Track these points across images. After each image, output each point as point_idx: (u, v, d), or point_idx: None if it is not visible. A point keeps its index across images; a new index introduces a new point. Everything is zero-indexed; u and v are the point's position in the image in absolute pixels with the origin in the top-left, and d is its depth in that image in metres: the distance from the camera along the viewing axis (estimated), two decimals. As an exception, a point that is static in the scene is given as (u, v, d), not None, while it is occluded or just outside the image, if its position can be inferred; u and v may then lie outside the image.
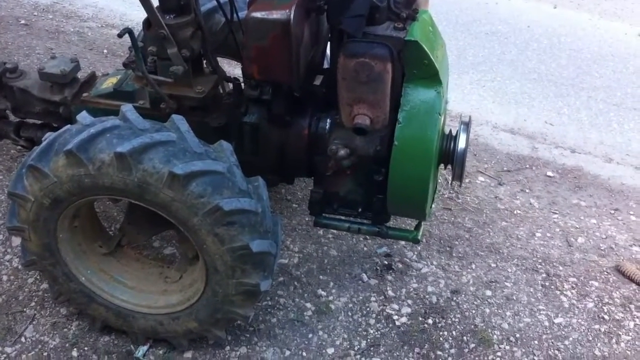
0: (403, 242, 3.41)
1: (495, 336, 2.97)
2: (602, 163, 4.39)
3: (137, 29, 2.76)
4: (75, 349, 2.76)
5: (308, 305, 3.05)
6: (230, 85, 2.84)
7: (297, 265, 3.25)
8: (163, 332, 2.69)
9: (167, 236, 3.24)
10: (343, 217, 2.85)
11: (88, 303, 2.70)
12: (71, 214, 2.49)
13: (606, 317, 3.11)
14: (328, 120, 2.68)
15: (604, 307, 3.17)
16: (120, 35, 2.37)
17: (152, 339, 2.78)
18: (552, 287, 3.26)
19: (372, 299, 3.11)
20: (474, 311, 3.09)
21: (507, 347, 2.93)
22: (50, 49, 5.08)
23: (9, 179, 3.52)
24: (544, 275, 3.33)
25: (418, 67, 2.42)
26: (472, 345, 2.92)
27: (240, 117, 2.74)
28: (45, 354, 2.74)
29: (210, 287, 2.47)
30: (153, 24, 2.50)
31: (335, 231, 3.42)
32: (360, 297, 3.11)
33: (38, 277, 3.04)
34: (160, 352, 2.76)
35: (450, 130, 2.67)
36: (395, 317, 3.02)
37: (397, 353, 2.86)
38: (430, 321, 3.02)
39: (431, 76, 2.43)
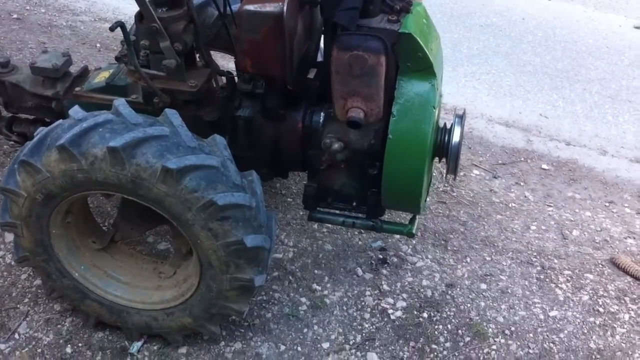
0: (398, 236, 3.40)
1: (490, 329, 2.97)
2: (596, 156, 4.39)
3: (130, 22, 2.74)
4: (69, 345, 2.75)
5: (303, 299, 3.04)
6: (224, 79, 2.83)
7: (292, 260, 3.24)
8: (157, 327, 2.68)
9: (161, 231, 3.22)
10: (337, 211, 2.84)
11: (82, 299, 2.68)
12: (64, 210, 2.47)
13: (601, 309, 3.12)
14: (322, 114, 2.67)
15: (598, 300, 3.17)
16: (112, 29, 2.35)
17: (146, 335, 2.77)
18: (547, 280, 3.26)
19: (367, 293, 3.10)
20: (469, 305, 3.09)
21: (502, 341, 2.93)
22: (42, 43, 5.05)
23: (1, 175, 3.50)
24: (538, 268, 3.33)
25: (412, 60, 2.40)
26: (467, 339, 2.92)
27: (233, 111, 2.73)
28: (39, 350, 2.73)
29: (205, 283, 2.46)
30: (145, 18, 2.48)
31: (329, 225, 3.41)
32: (355, 292, 3.10)
33: (31, 274, 3.02)
34: (155, 347, 2.76)
35: (445, 124, 2.66)
36: (390, 311, 3.02)
37: (392, 347, 2.86)
38: (425, 315, 3.02)
39: (425, 69, 2.42)
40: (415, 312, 3.02)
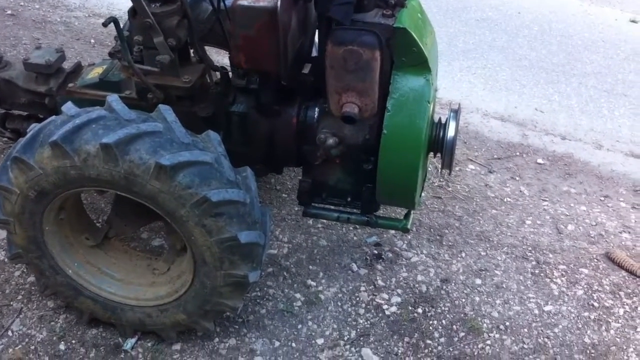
0: (393, 232, 3.40)
1: (485, 324, 2.97)
2: (592, 150, 4.39)
3: (124, 18, 2.72)
4: (62, 342, 2.74)
5: (297, 295, 3.04)
6: (218, 74, 2.82)
7: (287, 256, 3.23)
8: (151, 324, 2.67)
9: (155, 228, 3.21)
10: (332, 207, 2.84)
11: (75, 296, 2.67)
12: (57, 206, 2.46)
13: (596, 304, 3.12)
14: (316, 109, 2.66)
15: (593, 295, 3.17)
16: (105, 25, 2.33)
17: (140, 332, 2.76)
18: (542, 274, 3.26)
19: (362, 288, 3.10)
20: (463, 300, 3.09)
21: (497, 335, 2.93)
22: (37, 39, 5.02)
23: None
24: (533, 263, 3.33)
25: (407, 54, 2.40)
26: (462, 334, 2.92)
27: (228, 106, 2.72)
28: (32, 347, 2.72)
29: (199, 279, 2.45)
30: (139, 13, 2.46)
31: (324, 221, 3.41)
32: (350, 287, 3.10)
33: (25, 271, 3.01)
34: (149, 344, 2.75)
35: (440, 118, 2.65)
36: (385, 307, 3.02)
37: (387, 342, 2.86)
38: (420, 310, 3.02)
39: (420, 64, 2.41)
40: (410, 308, 3.02)
